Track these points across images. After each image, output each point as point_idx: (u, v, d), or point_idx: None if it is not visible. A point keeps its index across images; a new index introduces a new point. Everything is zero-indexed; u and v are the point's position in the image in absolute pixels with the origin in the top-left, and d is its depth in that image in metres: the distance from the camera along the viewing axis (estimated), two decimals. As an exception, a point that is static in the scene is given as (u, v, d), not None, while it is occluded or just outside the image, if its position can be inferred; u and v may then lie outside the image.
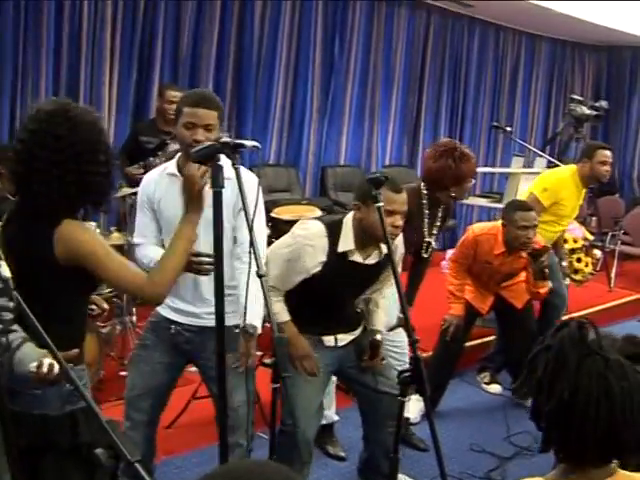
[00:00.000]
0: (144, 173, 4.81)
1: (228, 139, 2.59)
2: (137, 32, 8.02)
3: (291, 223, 5.92)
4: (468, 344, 6.03)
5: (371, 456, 4.35)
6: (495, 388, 6.23)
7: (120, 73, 7.96)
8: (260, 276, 2.74)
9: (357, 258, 3.84)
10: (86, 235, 2.74)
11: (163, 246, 3.58)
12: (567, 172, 6.38)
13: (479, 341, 6.57)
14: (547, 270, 5.43)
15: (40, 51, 7.40)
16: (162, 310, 3.74)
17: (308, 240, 3.78)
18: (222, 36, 8.73)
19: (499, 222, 5.50)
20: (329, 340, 4.02)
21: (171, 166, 3.68)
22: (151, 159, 6.20)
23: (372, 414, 4.17)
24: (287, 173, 9.37)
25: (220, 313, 2.56)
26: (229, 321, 3.59)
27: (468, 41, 11.59)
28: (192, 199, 3.02)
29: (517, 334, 5.73)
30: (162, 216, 3.67)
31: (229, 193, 3.56)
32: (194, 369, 4.29)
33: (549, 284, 5.59)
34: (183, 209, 3.14)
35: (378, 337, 4.10)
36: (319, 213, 6.23)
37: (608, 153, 6.25)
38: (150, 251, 3.61)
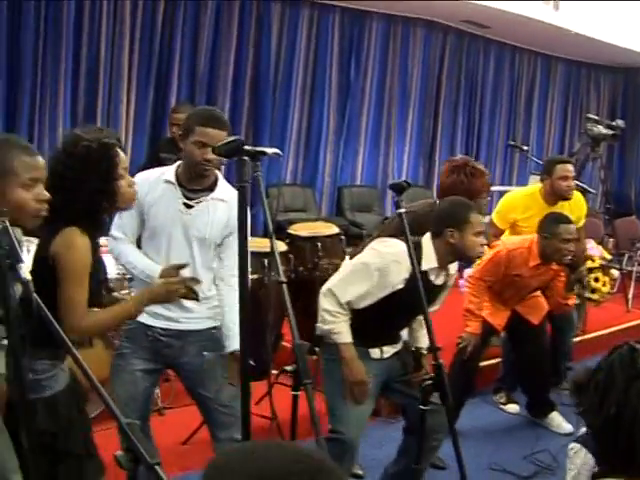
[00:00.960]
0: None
1: (249, 147, 2.58)
2: (154, 51, 8.11)
3: (308, 239, 5.93)
4: (486, 363, 5.98)
5: (406, 469, 4.32)
6: (513, 408, 6.17)
7: (137, 92, 8.04)
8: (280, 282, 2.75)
9: (432, 277, 3.89)
10: (72, 251, 2.90)
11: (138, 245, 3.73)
12: (520, 193, 6.28)
13: (497, 360, 6.52)
14: (585, 280, 5.42)
15: (58, 72, 7.49)
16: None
17: (395, 257, 3.78)
18: (239, 56, 8.82)
19: (528, 236, 5.46)
20: (375, 352, 4.00)
21: (169, 173, 3.69)
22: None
23: (417, 426, 4.14)
24: (303, 193, 9.39)
25: (243, 321, 2.53)
26: (206, 324, 3.72)
27: (484, 62, 11.62)
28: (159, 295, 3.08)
29: (531, 351, 5.67)
30: (149, 221, 3.68)
31: (220, 213, 3.62)
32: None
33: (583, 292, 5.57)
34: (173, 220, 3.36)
35: (423, 351, 4.13)
36: (337, 230, 6.21)
37: (569, 167, 5.98)
38: (130, 252, 3.71)
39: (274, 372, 5.25)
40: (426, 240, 3.91)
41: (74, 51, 7.63)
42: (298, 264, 5.77)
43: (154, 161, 6.77)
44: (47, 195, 2.68)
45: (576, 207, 6.14)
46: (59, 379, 3.00)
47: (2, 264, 1.82)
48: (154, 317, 3.70)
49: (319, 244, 5.88)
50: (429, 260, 3.86)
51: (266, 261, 5.22)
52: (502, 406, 6.20)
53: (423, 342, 4.20)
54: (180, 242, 3.65)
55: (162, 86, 8.25)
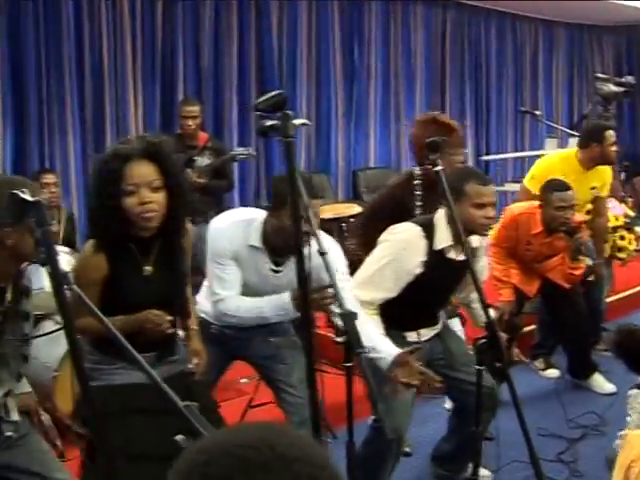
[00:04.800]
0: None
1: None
2: (157, 51, 8.10)
3: (332, 221, 5.92)
4: (523, 330, 5.96)
5: (456, 448, 4.30)
6: (553, 372, 6.14)
7: (144, 91, 8.04)
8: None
9: (452, 255, 3.80)
10: (79, 259, 3.09)
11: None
12: (557, 157, 6.21)
13: (531, 327, 6.48)
14: (583, 247, 5.34)
15: (63, 79, 7.50)
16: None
17: (406, 243, 3.73)
18: (242, 48, 8.80)
19: (536, 202, 5.41)
20: (411, 335, 3.95)
21: (254, 237, 3.58)
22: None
23: (466, 407, 4.11)
24: (319, 180, 9.34)
25: (306, 319, 2.49)
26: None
27: (486, 33, 11.58)
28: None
29: (569, 314, 5.63)
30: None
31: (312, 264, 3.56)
32: (244, 380, 4.31)
33: (588, 261, 5.50)
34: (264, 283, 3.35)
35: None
36: (359, 209, 6.18)
37: (613, 132, 5.97)
38: (249, 300, 3.61)
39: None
40: (439, 217, 3.81)
41: (77, 60, 7.61)
42: (324, 246, 5.73)
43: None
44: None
45: (605, 172, 6.12)
46: (107, 375, 3.03)
47: (51, 244, 1.79)
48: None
49: (344, 225, 5.87)
50: (443, 238, 3.76)
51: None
52: (542, 372, 6.17)
53: (480, 317, 4.17)
54: None
55: (168, 83, 8.22)
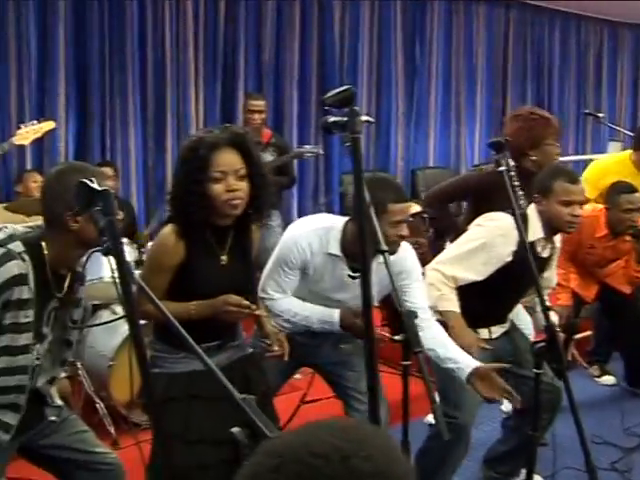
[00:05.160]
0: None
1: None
2: (219, 46, 8.15)
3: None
4: (579, 336, 5.88)
5: (512, 450, 4.27)
6: (608, 379, 6.05)
7: (205, 87, 8.09)
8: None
9: (539, 249, 3.82)
10: (154, 243, 3.15)
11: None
12: (611, 160, 6.09)
13: (587, 333, 6.40)
14: None
15: (126, 75, 7.58)
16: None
17: (501, 230, 3.73)
18: (303, 44, 8.82)
19: (600, 205, 5.34)
20: (483, 332, 3.94)
21: (333, 244, 3.55)
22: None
23: (529, 406, 4.08)
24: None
25: (369, 323, 2.48)
26: None
27: (549, 34, 11.44)
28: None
29: (628, 320, 5.54)
30: (313, 284, 3.64)
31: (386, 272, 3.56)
32: (298, 376, 4.31)
33: None
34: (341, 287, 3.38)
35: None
36: (418, 208, 6.14)
37: None
38: (300, 304, 3.64)
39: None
40: (531, 210, 3.82)
41: (140, 53, 7.70)
42: (382, 244, 5.72)
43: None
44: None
45: None
46: (169, 364, 3.07)
47: (117, 233, 1.81)
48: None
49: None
50: (535, 231, 3.78)
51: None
52: (597, 379, 6.08)
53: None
54: (350, 303, 3.59)
55: (229, 79, 8.26)
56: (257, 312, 3.10)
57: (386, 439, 1.15)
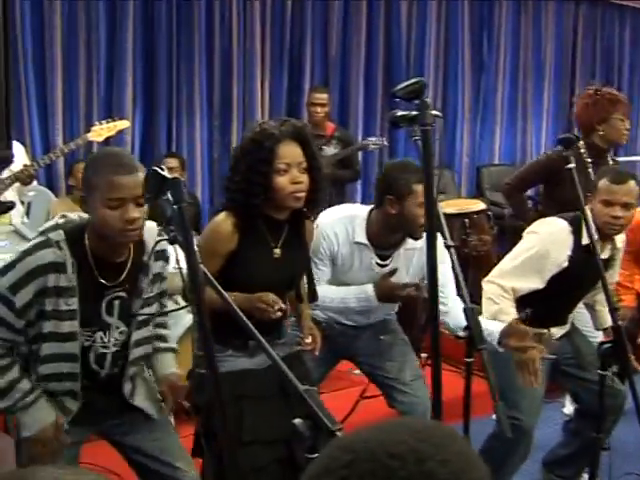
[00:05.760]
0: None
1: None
2: (286, 38, 8.14)
3: (454, 217, 5.85)
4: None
5: (573, 453, 4.21)
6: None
7: (271, 79, 8.08)
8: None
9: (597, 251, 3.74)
10: (207, 229, 3.16)
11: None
12: None
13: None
14: None
15: (193, 67, 7.60)
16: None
17: (554, 236, 3.71)
18: (370, 38, 8.76)
19: None
20: None
21: (359, 233, 3.59)
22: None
23: (589, 409, 4.02)
24: (441, 175, 9.25)
25: (435, 317, 2.46)
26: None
27: (620, 31, 11.20)
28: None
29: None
30: (340, 274, 3.66)
31: (415, 260, 3.56)
32: (357, 372, 4.29)
33: None
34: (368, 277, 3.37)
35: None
36: (483, 206, 6.11)
37: None
38: (336, 289, 3.65)
39: (423, 355, 5.18)
40: (586, 212, 3.69)
41: (207, 45, 7.73)
42: (446, 242, 5.68)
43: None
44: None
45: None
46: (227, 362, 3.07)
47: (186, 222, 1.81)
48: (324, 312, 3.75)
49: (467, 221, 5.80)
50: (591, 232, 3.71)
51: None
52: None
53: (607, 321, 4.08)
54: None
55: (295, 72, 8.26)
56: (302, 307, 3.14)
57: (463, 444, 1.12)
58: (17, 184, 5.15)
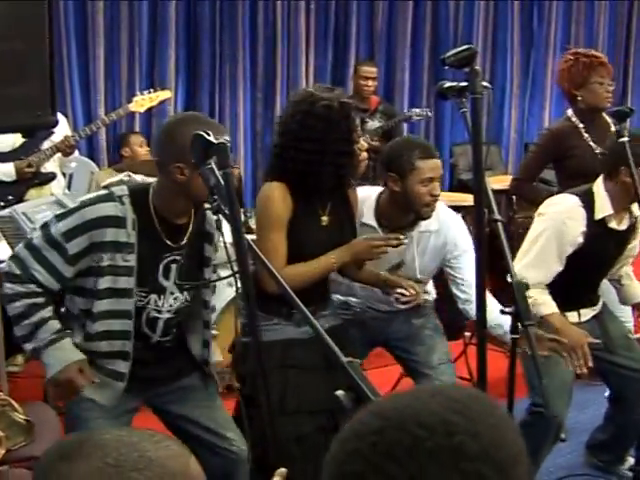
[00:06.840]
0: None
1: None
2: (331, 11, 8.10)
3: (501, 192, 5.79)
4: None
5: (611, 438, 4.14)
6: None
7: (316, 54, 8.06)
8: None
9: (613, 224, 3.62)
10: (268, 202, 3.10)
11: None
12: None
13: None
14: None
15: (237, 40, 7.59)
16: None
17: (565, 214, 3.58)
18: (417, 12, 8.68)
19: None
20: (572, 316, 3.79)
21: (367, 214, 3.52)
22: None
23: (624, 394, 3.95)
24: (489, 150, 9.15)
25: (482, 303, 2.41)
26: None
27: (676, 7, 10.98)
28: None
29: None
30: None
31: (430, 244, 3.50)
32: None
33: None
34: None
35: None
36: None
37: None
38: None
39: (467, 334, 5.13)
40: (597, 186, 3.62)
41: (251, 16, 7.71)
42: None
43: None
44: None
45: None
46: (266, 331, 3.02)
47: (231, 187, 1.78)
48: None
49: (514, 197, 5.73)
50: (603, 207, 3.56)
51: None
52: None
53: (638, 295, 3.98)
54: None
55: (341, 45, 8.21)
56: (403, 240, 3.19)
57: (501, 417, 1.07)
58: (58, 155, 5.15)
